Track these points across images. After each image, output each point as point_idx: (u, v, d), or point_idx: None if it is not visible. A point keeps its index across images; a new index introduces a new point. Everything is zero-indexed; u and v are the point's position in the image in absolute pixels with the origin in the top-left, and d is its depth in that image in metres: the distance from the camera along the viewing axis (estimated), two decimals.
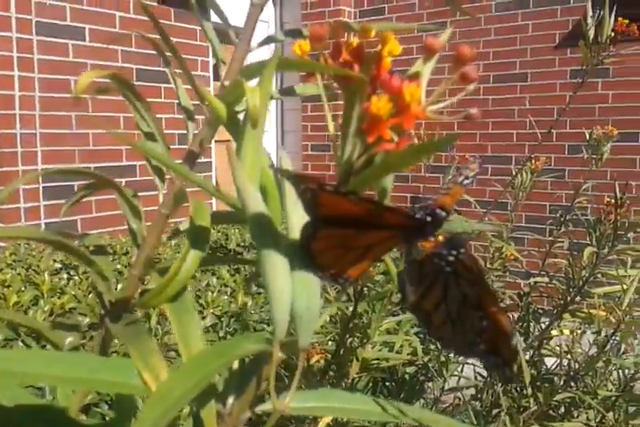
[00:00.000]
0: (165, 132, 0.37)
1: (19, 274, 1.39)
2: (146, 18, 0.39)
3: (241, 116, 0.29)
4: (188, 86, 0.36)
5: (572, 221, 1.46)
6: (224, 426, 0.28)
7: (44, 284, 1.32)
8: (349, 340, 0.96)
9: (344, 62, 0.24)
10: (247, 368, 0.30)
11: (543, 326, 1.25)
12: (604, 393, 1.14)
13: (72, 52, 2.26)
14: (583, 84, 1.40)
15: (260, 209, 0.24)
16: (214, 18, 0.38)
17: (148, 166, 0.35)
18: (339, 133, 0.25)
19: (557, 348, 1.23)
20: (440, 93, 0.22)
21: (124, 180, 2.35)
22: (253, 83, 0.28)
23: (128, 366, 0.27)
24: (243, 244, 2.01)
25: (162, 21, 0.40)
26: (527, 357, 1.22)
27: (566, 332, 1.25)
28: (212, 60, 2.83)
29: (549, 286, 1.32)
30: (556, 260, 1.36)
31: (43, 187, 2.15)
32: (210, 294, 1.46)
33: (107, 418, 0.97)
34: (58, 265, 1.48)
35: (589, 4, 1.36)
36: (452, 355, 1.28)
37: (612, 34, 1.32)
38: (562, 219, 1.49)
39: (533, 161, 1.52)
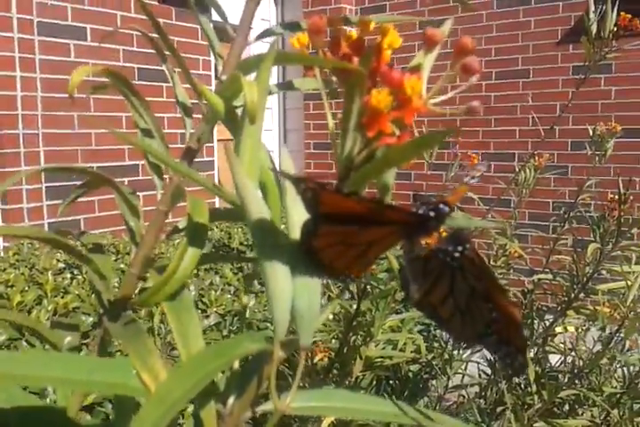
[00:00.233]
0: (167, 131, 0.37)
1: (22, 274, 1.39)
2: (147, 17, 0.38)
3: (239, 112, 0.29)
4: (188, 86, 0.36)
5: (576, 217, 1.45)
6: (224, 426, 0.27)
7: (48, 283, 1.31)
8: (353, 338, 0.96)
9: (343, 55, 0.24)
10: (248, 367, 0.30)
11: (547, 323, 1.25)
12: (609, 390, 1.14)
13: (73, 52, 2.26)
14: (586, 80, 1.39)
15: (259, 206, 0.24)
16: (214, 17, 0.38)
17: (147, 164, 0.34)
18: (338, 132, 0.25)
19: (561, 345, 1.22)
20: (442, 86, 0.21)
21: (126, 179, 2.35)
22: (252, 78, 0.27)
23: (127, 366, 0.27)
24: (246, 242, 2.01)
25: (163, 20, 0.40)
26: (531, 354, 1.21)
27: (571, 329, 1.24)
28: (213, 59, 2.83)
29: (553, 283, 1.31)
30: (560, 256, 1.36)
31: (45, 187, 2.15)
32: (213, 292, 1.46)
33: (111, 418, 0.97)
34: (61, 265, 1.48)
35: None
36: (455, 352, 1.28)
37: (615, 29, 1.31)
38: (565, 216, 1.48)
39: (537, 158, 1.51)
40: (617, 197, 1.13)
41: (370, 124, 0.22)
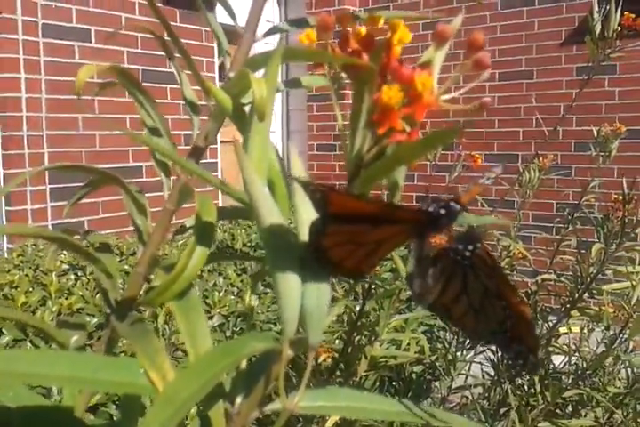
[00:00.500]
0: (171, 132, 0.37)
1: (26, 275, 1.39)
2: (151, 19, 0.38)
3: (247, 109, 0.29)
4: (196, 88, 0.36)
5: (580, 218, 1.45)
6: (233, 426, 0.27)
7: (52, 284, 1.31)
8: (357, 338, 0.96)
9: (352, 52, 0.23)
10: (255, 367, 0.30)
11: (551, 324, 1.24)
12: (614, 390, 1.13)
13: (78, 54, 2.27)
14: (590, 81, 1.39)
15: (268, 203, 0.23)
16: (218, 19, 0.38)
17: (154, 162, 0.34)
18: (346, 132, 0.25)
19: (565, 346, 1.22)
20: (453, 81, 0.21)
21: (130, 181, 2.35)
22: (259, 75, 0.27)
23: (134, 365, 0.27)
24: (249, 244, 2.01)
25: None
26: None
27: (575, 329, 1.24)
28: (217, 61, 2.83)
29: (557, 284, 1.31)
30: (564, 256, 1.35)
31: (50, 188, 2.15)
32: (217, 293, 1.46)
33: (114, 418, 0.96)
34: (65, 266, 1.48)
35: None
36: (458, 354, 1.27)
37: (619, 28, 1.31)
38: (569, 217, 1.48)
39: (541, 158, 1.51)
40: (621, 197, 1.13)
41: (380, 120, 0.22)
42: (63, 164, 0.29)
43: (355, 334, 0.93)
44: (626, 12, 1.32)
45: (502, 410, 1.19)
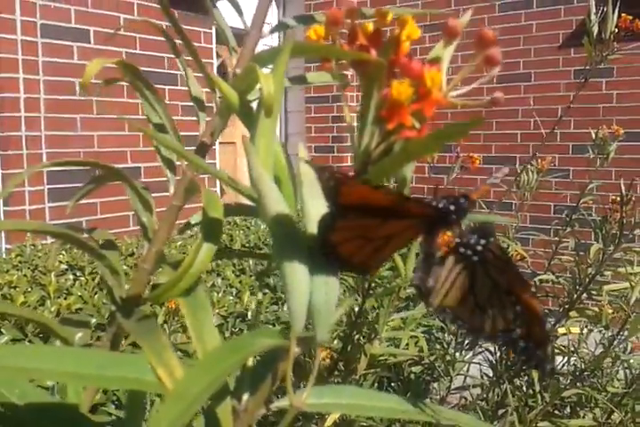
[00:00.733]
0: None
1: (25, 275, 1.39)
2: (151, 19, 0.39)
3: (254, 106, 0.29)
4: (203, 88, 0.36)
5: (578, 220, 1.45)
6: (239, 422, 0.27)
7: (51, 285, 1.31)
8: (356, 336, 0.96)
9: (360, 47, 0.23)
10: (261, 364, 0.30)
11: (549, 325, 1.24)
12: (613, 390, 1.13)
13: (77, 55, 2.26)
14: (587, 84, 1.39)
15: (276, 197, 0.23)
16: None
17: (159, 158, 0.34)
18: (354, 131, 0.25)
19: (563, 347, 1.22)
20: (462, 76, 0.21)
21: None
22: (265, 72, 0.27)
23: (140, 362, 0.27)
24: (247, 244, 2.01)
25: (165, 24, 0.40)
26: None
27: (573, 330, 1.24)
28: (216, 62, 2.83)
29: (556, 286, 1.31)
30: (562, 257, 1.36)
31: (48, 189, 2.15)
32: (215, 294, 1.46)
33: (114, 417, 0.96)
34: (64, 266, 1.48)
35: (593, 1, 1.35)
36: (457, 354, 1.27)
37: (616, 30, 1.31)
38: (567, 219, 1.48)
39: (539, 160, 1.51)
40: (619, 199, 1.13)
41: (390, 116, 0.22)
42: (69, 159, 0.29)
43: (354, 333, 0.93)
44: (623, 15, 1.32)
45: (501, 411, 1.19)
